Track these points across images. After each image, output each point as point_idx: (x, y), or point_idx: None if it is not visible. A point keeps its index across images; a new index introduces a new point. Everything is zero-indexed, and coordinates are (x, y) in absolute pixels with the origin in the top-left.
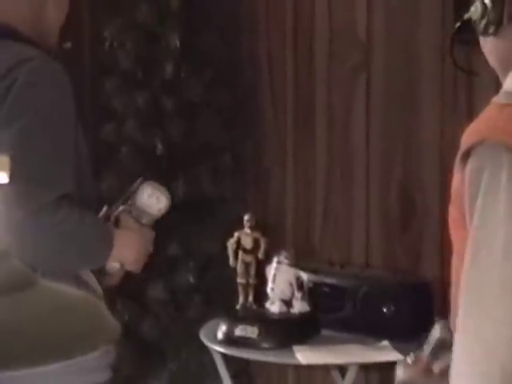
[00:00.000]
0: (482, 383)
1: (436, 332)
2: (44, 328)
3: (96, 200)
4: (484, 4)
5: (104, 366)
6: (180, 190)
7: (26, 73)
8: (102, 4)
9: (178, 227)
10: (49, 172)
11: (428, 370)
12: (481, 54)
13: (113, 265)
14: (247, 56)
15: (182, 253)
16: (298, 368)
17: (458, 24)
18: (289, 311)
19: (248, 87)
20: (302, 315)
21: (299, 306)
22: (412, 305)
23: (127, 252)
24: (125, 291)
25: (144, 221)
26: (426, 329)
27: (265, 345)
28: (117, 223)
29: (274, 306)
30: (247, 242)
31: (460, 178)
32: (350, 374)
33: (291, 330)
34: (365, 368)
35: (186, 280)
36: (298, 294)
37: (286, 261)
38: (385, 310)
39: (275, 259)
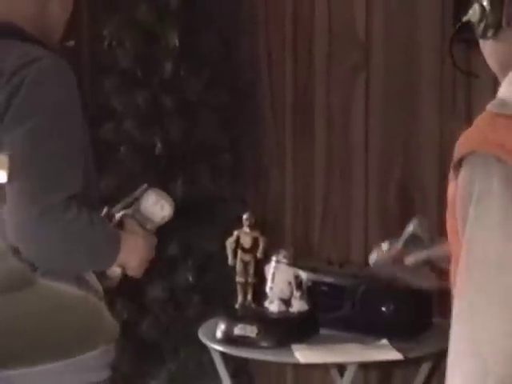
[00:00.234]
0: None
1: (411, 227)
2: (43, 327)
3: (98, 200)
4: (482, 7)
5: (103, 366)
6: (179, 190)
7: (34, 72)
8: (101, 3)
9: (177, 226)
10: (59, 172)
11: (399, 261)
12: (480, 54)
13: (114, 269)
14: (246, 55)
15: (181, 252)
16: (297, 367)
17: (457, 26)
18: (288, 310)
19: (247, 86)
20: (300, 314)
21: (298, 305)
22: (411, 304)
23: (132, 257)
24: (124, 291)
25: (148, 227)
26: (425, 328)
27: (264, 344)
28: (120, 226)
29: (272, 305)
30: (246, 241)
31: (453, 186)
32: (349, 373)
33: (290, 329)
34: (364, 367)
35: (185, 279)
36: (296, 293)
37: (284, 260)
38: (384, 309)
39: (274, 258)
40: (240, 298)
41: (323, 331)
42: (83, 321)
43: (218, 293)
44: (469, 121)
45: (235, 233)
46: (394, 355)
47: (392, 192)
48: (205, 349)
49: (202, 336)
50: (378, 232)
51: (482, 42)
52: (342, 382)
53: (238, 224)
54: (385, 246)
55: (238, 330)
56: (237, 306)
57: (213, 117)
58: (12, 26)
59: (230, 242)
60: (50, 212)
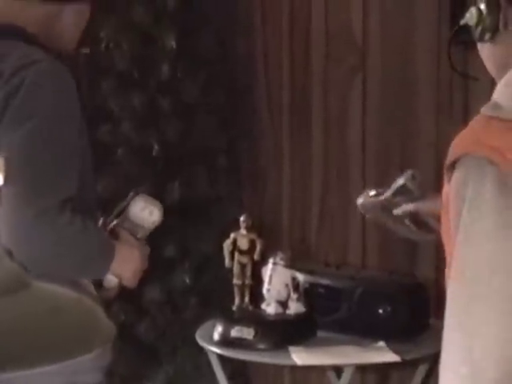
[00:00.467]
0: None
1: (402, 178)
2: (39, 329)
3: (95, 202)
4: (479, 10)
5: (97, 368)
6: (176, 191)
7: (33, 74)
8: (97, 4)
9: (174, 228)
10: (54, 175)
11: (387, 209)
12: (477, 56)
13: (111, 279)
14: (243, 57)
15: (178, 254)
16: (294, 369)
17: (454, 29)
18: (285, 312)
19: (244, 88)
20: (297, 316)
21: (295, 307)
22: (408, 306)
23: (126, 266)
24: (121, 293)
25: (139, 235)
26: (422, 330)
27: (261, 346)
28: (112, 236)
29: (269, 307)
30: (243, 243)
31: (447, 188)
32: (346, 375)
33: (287, 331)
34: (361, 369)
35: (182, 281)
36: (293, 295)
37: (281, 262)
38: (381, 311)
39: (271, 260)
40: (237, 300)
41: (320, 333)
42: (79, 323)
43: (215, 295)
44: (466, 122)
45: (232, 235)
46: (391, 357)
47: None
48: (202, 351)
49: (199, 338)
50: (375, 234)
51: (479, 45)
52: None
53: (235, 226)
54: (371, 192)
55: (235, 332)
56: (234, 308)
57: (210, 118)
58: (15, 28)
59: (227, 244)
60: (45, 215)
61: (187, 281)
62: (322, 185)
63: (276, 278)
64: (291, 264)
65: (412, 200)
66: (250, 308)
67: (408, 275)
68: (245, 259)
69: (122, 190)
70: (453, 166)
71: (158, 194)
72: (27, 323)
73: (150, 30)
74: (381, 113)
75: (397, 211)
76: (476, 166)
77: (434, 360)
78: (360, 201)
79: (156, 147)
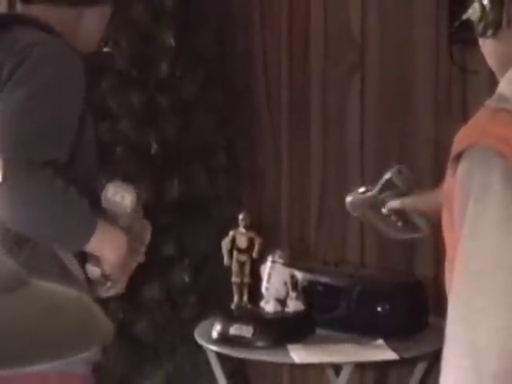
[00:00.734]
0: None
1: (389, 174)
2: (37, 328)
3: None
4: (483, 6)
5: (86, 362)
6: (175, 190)
7: (40, 49)
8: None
9: (172, 226)
10: (44, 133)
11: (373, 205)
12: (475, 54)
13: (92, 269)
14: (242, 55)
15: (176, 252)
16: (293, 367)
17: (456, 24)
18: (283, 310)
19: (243, 86)
20: (296, 314)
21: (294, 305)
22: (406, 304)
23: (108, 248)
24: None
25: (120, 223)
26: (421, 328)
27: (259, 344)
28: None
29: (268, 305)
30: (242, 242)
31: (451, 182)
32: (345, 373)
33: (286, 329)
34: (359, 367)
35: (180, 279)
36: (292, 294)
37: (280, 260)
38: (379, 309)
39: (270, 258)
40: (236, 299)
41: (319, 331)
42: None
43: (213, 293)
44: (464, 120)
45: (231, 233)
46: (390, 355)
47: None
48: (201, 349)
49: (197, 336)
50: (373, 232)
51: (481, 41)
52: (337, 382)
53: (234, 224)
54: (361, 189)
55: (234, 330)
56: (233, 306)
57: (208, 116)
58: (37, 20)
59: (225, 243)
60: (25, 168)
61: (186, 279)
62: (321, 183)
63: (275, 276)
64: (290, 262)
65: (397, 195)
66: (249, 306)
67: (407, 273)
68: (243, 257)
69: None
70: (457, 158)
71: (156, 192)
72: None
73: (149, 28)
74: (379, 111)
75: (384, 210)
76: (482, 157)
77: (432, 358)
78: (349, 199)
79: (155, 145)
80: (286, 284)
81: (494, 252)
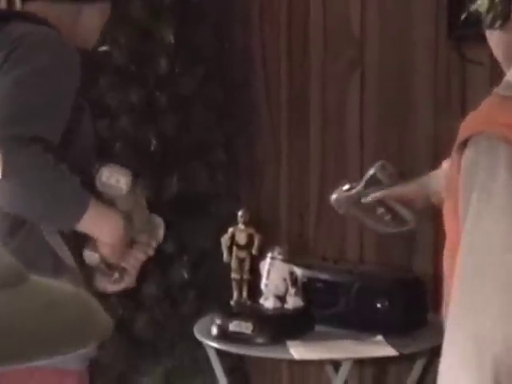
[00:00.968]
0: (474, 379)
1: (372, 169)
2: (36, 324)
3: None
4: None
5: (81, 358)
6: (174, 186)
7: (35, 36)
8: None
9: (171, 223)
10: (34, 112)
11: (357, 201)
12: (473, 50)
13: (90, 254)
14: (241, 51)
15: (176, 249)
16: (292, 363)
17: (463, 15)
18: (283, 307)
19: (242, 82)
20: (295, 311)
21: (293, 302)
22: (406, 300)
23: (103, 228)
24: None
25: (119, 207)
26: (420, 324)
27: (259, 340)
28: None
29: (267, 302)
30: (241, 238)
31: (455, 169)
32: (344, 370)
33: (285, 326)
34: (359, 363)
35: (180, 276)
36: (291, 290)
37: (279, 256)
38: (379, 305)
39: (269, 255)
40: (235, 295)
41: (318, 328)
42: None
43: (213, 289)
44: (463, 115)
45: (230, 229)
46: (389, 351)
47: None
48: (200, 345)
49: (197, 333)
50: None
51: (488, 33)
52: (337, 378)
53: (233, 221)
54: (345, 186)
55: (233, 327)
56: (232, 302)
57: (207, 113)
58: (34, 15)
59: (224, 239)
60: (13, 142)
61: (185, 275)
62: (320, 179)
63: (274, 273)
64: (289, 258)
65: (381, 189)
66: (248, 302)
67: (406, 270)
68: (243, 254)
69: None
70: (464, 145)
71: (155, 189)
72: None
73: (148, 25)
74: (379, 107)
75: (364, 200)
76: (488, 145)
77: (431, 354)
78: (333, 196)
79: (154, 142)
80: (285, 280)
81: (500, 238)
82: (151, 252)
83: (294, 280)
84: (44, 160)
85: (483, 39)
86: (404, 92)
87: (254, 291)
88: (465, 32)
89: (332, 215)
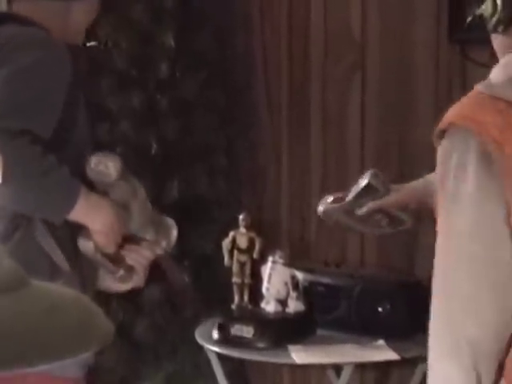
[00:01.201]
0: (451, 358)
1: (366, 179)
2: (37, 328)
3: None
4: (495, 2)
5: (79, 365)
6: (175, 190)
7: (22, 37)
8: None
9: None
10: (23, 106)
11: (350, 211)
12: (475, 55)
13: (84, 242)
14: (242, 55)
15: (177, 253)
16: (294, 368)
17: (468, 19)
18: (284, 311)
19: (243, 86)
20: (297, 315)
21: (294, 306)
22: (407, 304)
23: (95, 217)
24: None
25: (112, 196)
26: (421, 328)
27: (260, 344)
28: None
29: (269, 306)
30: (242, 242)
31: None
32: (346, 374)
33: (286, 330)
34: (360, 367)
35: (181, 280)
36: (293, 294)
37: (281, 260)
38: (380, 309)
39: (270, 259)
40: (236, 299)
41: (320, 332)
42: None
43: (214, 294)
44: None
45: (231, 233)
46: (391, 355)
47: None
48: (201, 350)
49: (198, 337)
50: None
51: (493, 36)
52: (338, 383)
53: (234, 224)
54: (329, 198)
55: (235, 331)
56: (233, 306)
57: (208, 117)
58: (18, 15)
59: (226, 243)
60: (3, 135)
61: (186, 279)
62: (321, 183)
63: (275, 277)
64: (290, 262)
65: (378, 198)
66: (250, 307)
67: (407, 273)
68: (244, 258)
69: None
70: (442, 134)
71: (156, 193)
72: (25, 322)
73: (149, 29)
74: (380, 109)
75: (361, 211)
76: (462, 137)
77: None
78: (321, 208)
79: (155, 146)
80: (286, 284)
81: (470, 225)
82: (159, 251)
83: (295, 284)
84: (31, 152)
85: (484, 42)
86: (405, 94)
87: (256, 295)
88: (466, 35)
89: None
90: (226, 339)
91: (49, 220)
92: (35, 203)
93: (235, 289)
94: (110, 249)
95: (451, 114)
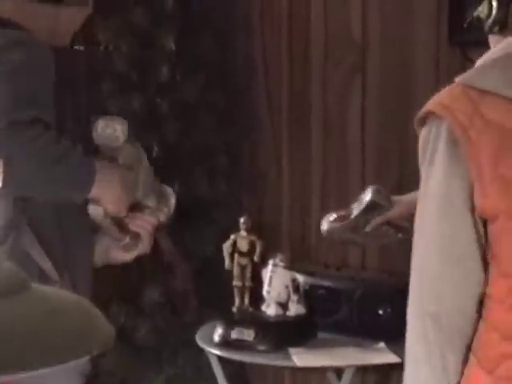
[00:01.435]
0: (417, 334)
1: (368, 196)
2: (37, 332)
3: None
4: (491, 4)
5: (74, 374)
6: (175, 193)
7: (11, 36)
8: (97, 6)
9: (173, 230)
10: (21, 99)
11: (355, 228)
12: (475, 56)
13: (93, 207)
14: (242, 58)
15: (177, 256)
16: (295, 371)
17: (467, 21)
18: (285, 314)
19: (243, 89)
20: (297, 318)
21: (295, 309)
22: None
23: (108, 189)
24: (120, 294)
25: (120, 160)
26: None
27: (261, 347)
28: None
29: (270, 309)
30: (243, 245)
31: None
32: (347, 377)
33: (287, 333)
34: (361, 370)
35: (182, 283)
36: (293, 297)
37: (281, 263)
38: (381, 312)
39: (271, 262)
40: (237, 302)
41: (320, 335)
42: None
43: (215, 297)
44: None
45: (232, 236)
46: (392, 358)
47: None
48: (202, 353)
49: (199, 340)
50: None
51: (490, 37)
52: None
53: (235, 227)
54: (332, 216)
55: (235, 334)
56: (234, 309)
57: (209, 120)
58: (5, 19)
59: (226, 246)
60: (13, 128)
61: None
62: (322, 185)
63: (276, 280)
64: (291, 265)
65: (383, 213)
66: (250, 310)
67: (408, 276)
68: (245, 261)
69: None
70: (423, 122)
71: None
72: (26, 325)
73: (149, 32)
74: (380, 113)
75: (367, 228)
76: (436, 125)
77: None
78: (324, 228)
79: (155, 149)
80: (287, 287)
81: (438, 206)
82: (162, 218)
83: (296, 287)
84: (49, 137)
85: (484, 44)
86: (405, 97)
87: (256, 298)
88: (466, 37)
89: None
90: (226, 342)
91: (73, 200)
92: (60, 186)
93: (236, 292)
94: (121, 214)
95: (430, 103)
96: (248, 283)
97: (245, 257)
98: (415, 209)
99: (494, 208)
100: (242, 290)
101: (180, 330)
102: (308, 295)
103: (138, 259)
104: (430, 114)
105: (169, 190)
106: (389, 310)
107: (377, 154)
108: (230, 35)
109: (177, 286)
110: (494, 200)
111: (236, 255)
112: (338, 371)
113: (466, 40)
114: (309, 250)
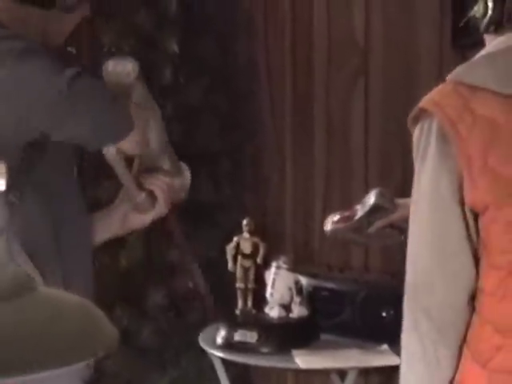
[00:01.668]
0: (411, 329)
1: (372, 199)
2: (41, 334)
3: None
4: (486, 4)
5: (74, 380)
6: None
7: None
8: (100, 9)
9: (176, 232)
10: (55, 57)
11: (358, 229)
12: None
13: (107, 148)
14: (245, 61)
15: (181, 258)
16: (298, 373)
17: (463, 20)
18: (288, 316)
19: (246, 92)
20: (301, 320)
21: (298, 311)
22: None
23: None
24: (124, 297)
25: (134, 99)
26: None
27: (264, 349)
28: None
29: (273, 311)
30: (246, 247)
31: None
32: (350, 379)
33: (290, 335)
34: (364, 372)
35: (185, 285)
36: (297, 299)
37: (284, 265)
38: (384, 314)
39: (274, 264)
40: (240, 304)
41: (323, 337)
42: (81, 327)
43: (218, 299)
44: None
45: (235, 238)
46: (395, 360)
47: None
48: (205, 355)
49: (202, 342)
50: None
51: (486, 36)
52: None
53: (238, 230)
54: (335, 217)
55: (239, 336)
56: (237, 311)
57: (212, 123)
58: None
59: (229, 248)
60: (73, 82)
61: (190, 285)
62: (325, 188)
63: (279, 282)
64: (294, 267)
65: (387, 215)
66: (253, 312)
67: None
68: (248, 263)
69: None
70: (416, 120)
71: None
72: (29, 328)
73: (152, 35)
74: (383, 116)
75: (370, 230)
76: (428, 121)
77: None
78: (328, 228)
79: None
80: (290, 289)
81: (428, 201)
82: (177, 182)
83: (299, 289)
84: (97, 83)
85: (483, 44)
86: (408, 101)
87: (259, 300)
88: (469, 40)
89: None
90: (229, 344)
91: (116, 142)
92: (118, 126)
93: (239, 294)
94: (134, 151)
95: (423, 100)
96: (251, 285)
97: (248, 259)
98: None
99: (484, 200)
100: (245, 292)
101: (183, 332)
102: (311, 297)
103: (140, 263)
104: (423, 112)
105: (183, 165)
106: (392, 312)
107: (380, 158)
108: (234, 38)
109: (188, 282)
110: (483, 192)
111: (239, 257)
112: (341, 373)
113: (470, 43)
114: (312, 252)
